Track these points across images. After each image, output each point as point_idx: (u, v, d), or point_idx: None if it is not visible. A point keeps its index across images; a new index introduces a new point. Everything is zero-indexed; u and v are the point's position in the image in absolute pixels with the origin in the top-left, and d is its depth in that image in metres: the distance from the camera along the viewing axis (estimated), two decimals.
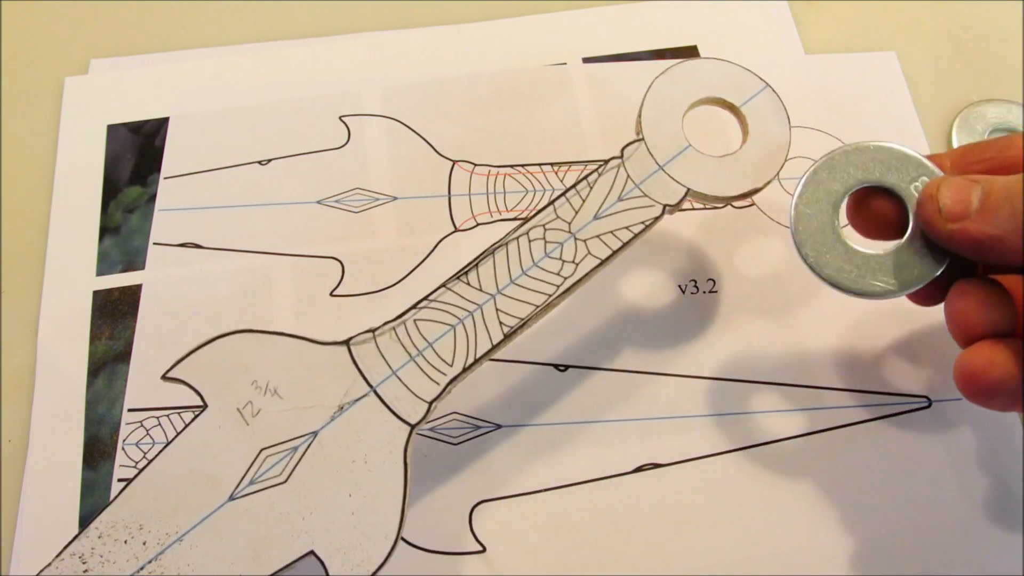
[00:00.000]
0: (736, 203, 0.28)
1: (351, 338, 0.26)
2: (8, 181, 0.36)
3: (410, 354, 0.26)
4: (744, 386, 0.31)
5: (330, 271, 0.34)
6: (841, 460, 0.30)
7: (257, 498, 0.24)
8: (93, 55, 0.39)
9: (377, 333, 0.26)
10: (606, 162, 0.28)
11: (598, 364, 0.31)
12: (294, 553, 0.23)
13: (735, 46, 0.39)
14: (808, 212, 0.26)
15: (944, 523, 0.29)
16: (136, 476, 0.24)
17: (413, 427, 0.25)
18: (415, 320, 0.26)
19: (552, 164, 0.36)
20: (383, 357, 0.25)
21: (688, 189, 0.27)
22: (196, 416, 0.25)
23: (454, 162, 0.36)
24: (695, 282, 0.33)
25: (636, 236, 0.27)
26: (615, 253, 0.27)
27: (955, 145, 0.36)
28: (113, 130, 0.37)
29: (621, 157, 0.28)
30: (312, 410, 0.25)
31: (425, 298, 0.26)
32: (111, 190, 0.36)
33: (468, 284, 0.26)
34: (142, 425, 0.31)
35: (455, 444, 0.30)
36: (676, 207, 0.27)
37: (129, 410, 0.31)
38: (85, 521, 0.29)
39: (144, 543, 0.23)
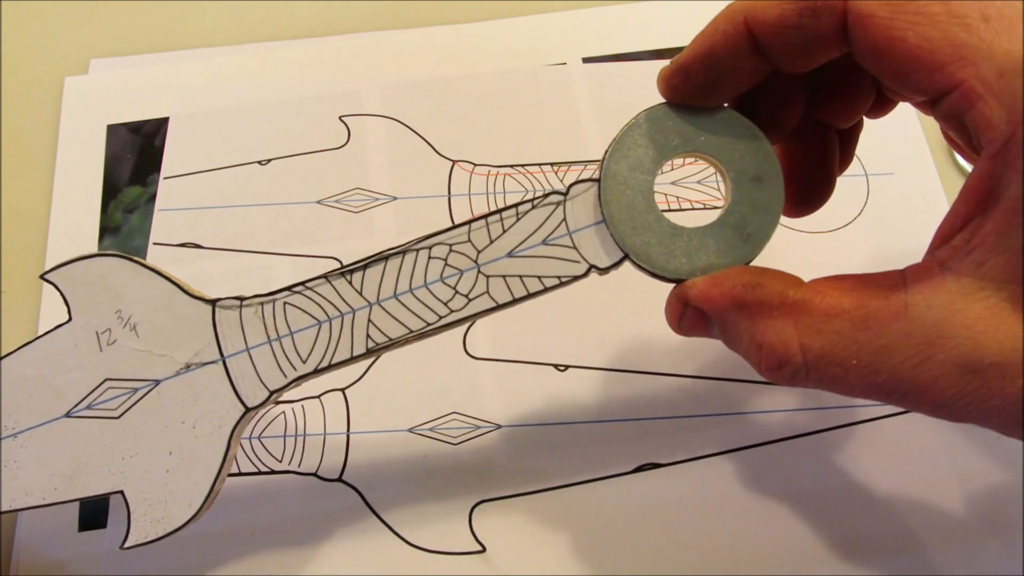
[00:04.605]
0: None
1: (218, 299, 0.25)
2: (8, 181, 0.36)
3: (269, 336, 0.25)
4: (744, 386, 0.31)
5: None
6: (841, 460, 0.30)
7: (90, 423, 0.25)
8: (93, 55, 0.39)
9: (244, 303, 0.25)
10: (545, 195, 0.24)
11: (598, 364, 0.31)
12: (106, 487, 0.24)
13: None
14: (620, 174, 0.23)
15: (944, 523, 0.29)
16: None
17: (249, 410, 0.24)
18: (284, 303, 0.25)
19: (552, 164, 0.36)
20: (243, 330, 0.25)
21: (626, 255, 0.23)
22: (61, 325, 0.25)
23: (454, 162, 0.36)
24: None
25: (546, 290, 0.24)
26: (514, 302, 0.24)
27: (957, 154, 0.35)
28: (113, 130, 0.37)
29: (565, 195, 0.24)
30: (162, 359, 0.25)
31: (302, 283, 0.25)
32: (111, 190, 0.36)
33: (350, 284, 0.24)
34: None
35: (455, 444, 0.30)
36: (605, 271, 0.24)
37: None
38: (85, 524, 0.29)
39: None
